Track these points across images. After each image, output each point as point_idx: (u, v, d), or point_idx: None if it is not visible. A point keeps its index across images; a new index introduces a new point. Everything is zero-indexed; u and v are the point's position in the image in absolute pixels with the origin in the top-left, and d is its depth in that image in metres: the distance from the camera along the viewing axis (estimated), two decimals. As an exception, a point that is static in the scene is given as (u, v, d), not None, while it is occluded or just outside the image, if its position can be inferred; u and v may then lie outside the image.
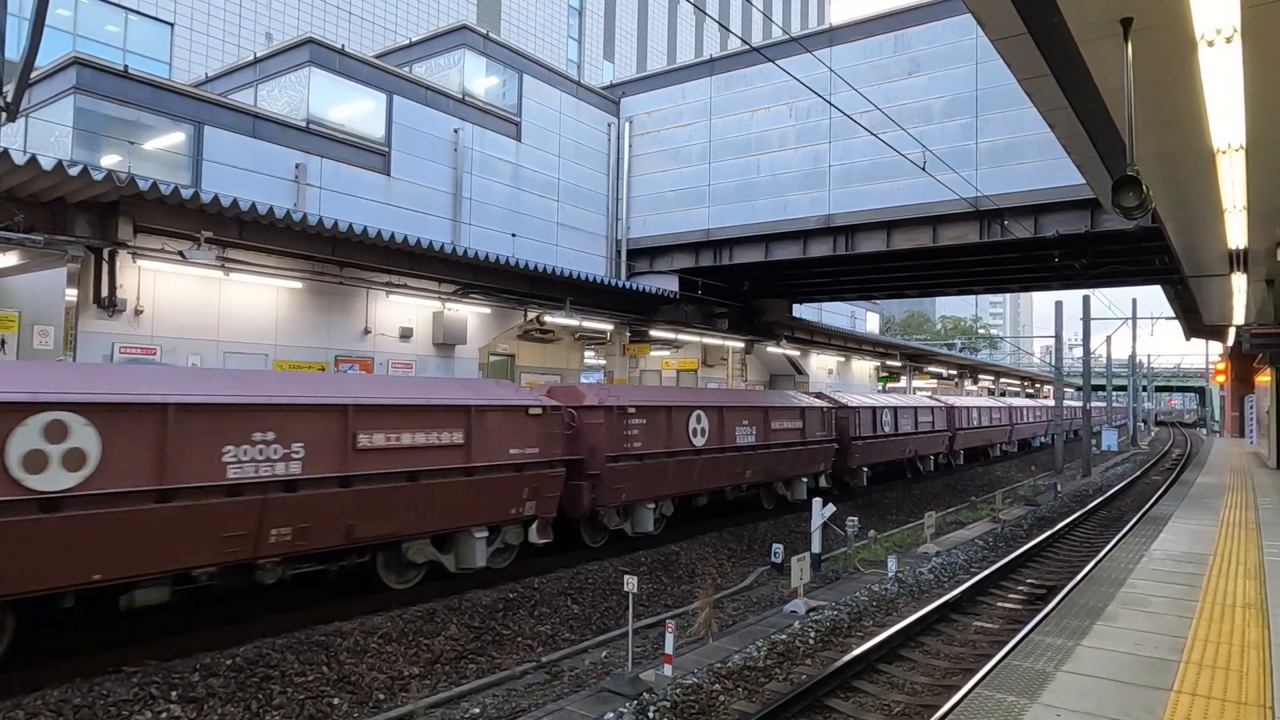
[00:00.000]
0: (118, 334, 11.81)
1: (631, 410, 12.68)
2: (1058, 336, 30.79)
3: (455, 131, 19.59)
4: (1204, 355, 58.19)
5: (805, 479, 17.84)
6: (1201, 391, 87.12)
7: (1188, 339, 39.03)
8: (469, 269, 16.15)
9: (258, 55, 19.10)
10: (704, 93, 22.02)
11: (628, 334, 21.89)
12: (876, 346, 38.48)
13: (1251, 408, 36.44)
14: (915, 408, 24.72)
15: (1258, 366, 29.26)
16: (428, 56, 21.25)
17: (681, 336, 23.26)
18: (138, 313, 12.05)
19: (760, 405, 16.33)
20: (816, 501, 12.15)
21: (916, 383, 44.67)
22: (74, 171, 9.66)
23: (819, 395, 20.82)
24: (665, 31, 51.90)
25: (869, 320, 45.02)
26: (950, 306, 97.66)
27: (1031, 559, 13.41)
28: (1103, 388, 59.64)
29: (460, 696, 7.37)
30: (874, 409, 21.72)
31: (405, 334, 15.81)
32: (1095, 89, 7.29)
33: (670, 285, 22.26)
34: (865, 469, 21.01)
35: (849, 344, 35.22)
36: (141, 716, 6.40)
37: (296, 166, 16.41)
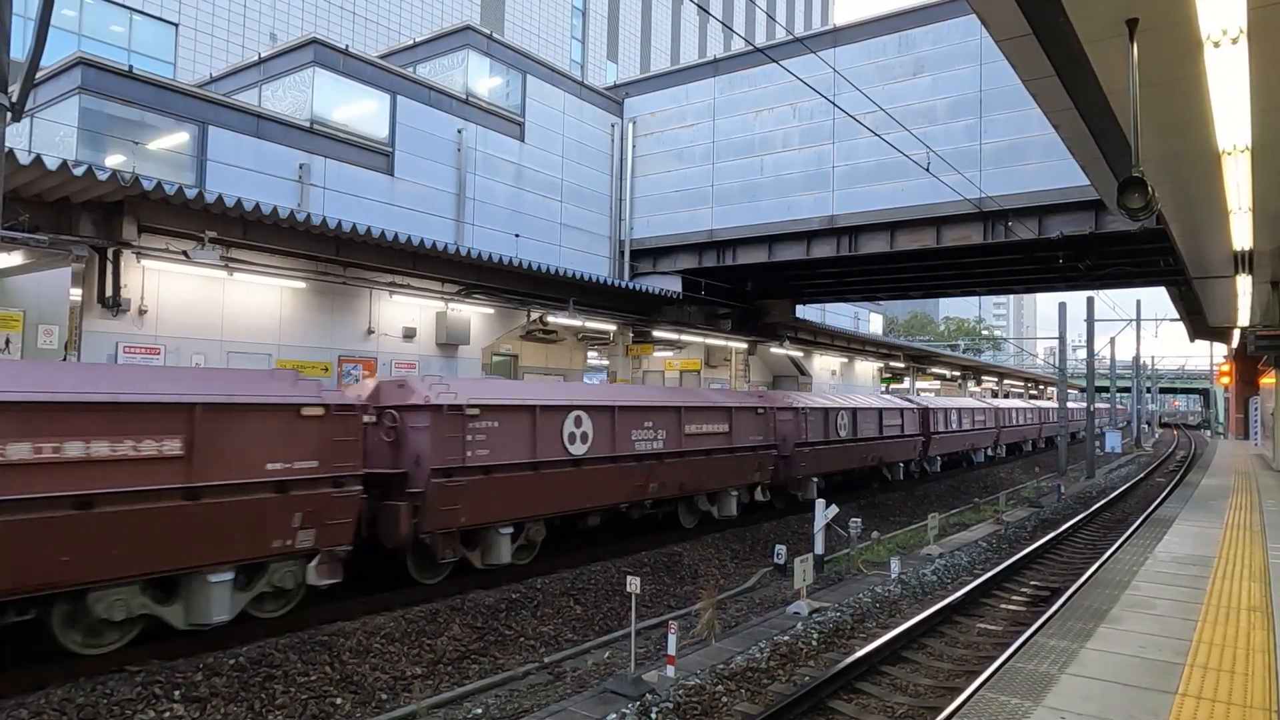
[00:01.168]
0: (122, 334, 11.84)
1: (474, 411, 10.12)
2: (1061, 338, 30.73)
3: (459, 132, 19.60)
4: (1208, 357, 58.07)
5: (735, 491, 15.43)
6: (1206, 393, 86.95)
7: (1192, 340, 38.98)
8: (472, 269, 16.16)
9: (262, 55, 19.14)
10: (708, 93, 22.02)
11: (631, 334, 21.88)
12: (880, 347, 38.45)
13: (1256, 410, 36.34)
14: (881, 409, 21.80)
15: (1262, 368, 29.18)
16: (432, 57, 21.27)
17: (685, 337, 23.25)
18: (142, 312, 12.07)
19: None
20: (820, 503, 12.14)
21: (920, 384, 44.59)
22: (78, 171, 9.68)
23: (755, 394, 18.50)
24: (669, 32, 51.89)
25: (872, 321, 45.01)
26: (954, 307, 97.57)
27: (1035, 561, 13.38)
28: (1107, 389, 59.53)
29: (463, 697, 7.37)
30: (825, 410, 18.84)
31: (409, 334, 15.83)
32: (1100, 90, 7.27)
33: (673, 286, 22.25)
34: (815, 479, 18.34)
35: (852, 345, 35.18)
36: (145, 716, 6.41)
37: (300, 167, 16.44)
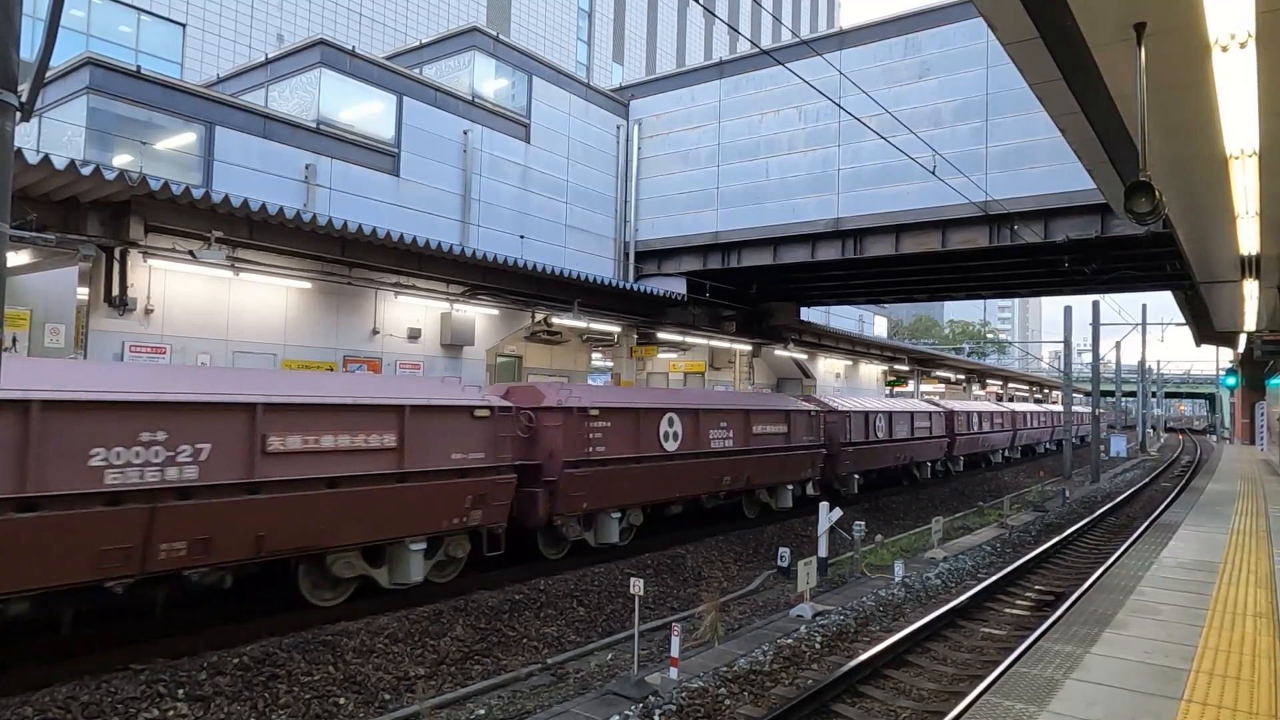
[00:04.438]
0: (128, 333, 11.87)
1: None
2: (1066, 342, 30.66)
3: (464, 133, 19.63)
4: (1214, 361, 57.89)
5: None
6: (1211, 398, 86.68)
7: (1198, 345, 38.83)
8: (477, 270, 16.18)
9: (269, 56, 19.19)
10: (713, 95, 22.02)
11: (635, 336, 21.89)
12: (884, 350, 38.43)
13: (1262, 415, 36.19)
14: (749, 411, 15.67)
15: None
16: (438, 58, 21.31)
17: (689, 339, 23.25)
18: (148, 312, 12.10)
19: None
20: (823, 505, 12.12)
21: (925, 387, 44.52)
22: (86, 171, 9.71)
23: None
24: (674, 34, 51.92)
25: (877, 324, 44.96)
26: (959, 311, 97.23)
27: (1040, 565, 13.34)
28: (1113, 393, 59.33)
29: (466, 697, 7.37)
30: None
31: (413, 335, 15.85)
32: (1107, 94, 7.26)
33: (678, 287, 22.25)
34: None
35: (857, 348, 35.17)
36: (149, 714, 6.43)
37: (306, 167, 16.47)
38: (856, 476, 20.32)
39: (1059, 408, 51.00)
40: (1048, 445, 43.82)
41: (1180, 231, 12.28)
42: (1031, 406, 44.62)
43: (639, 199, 23.48)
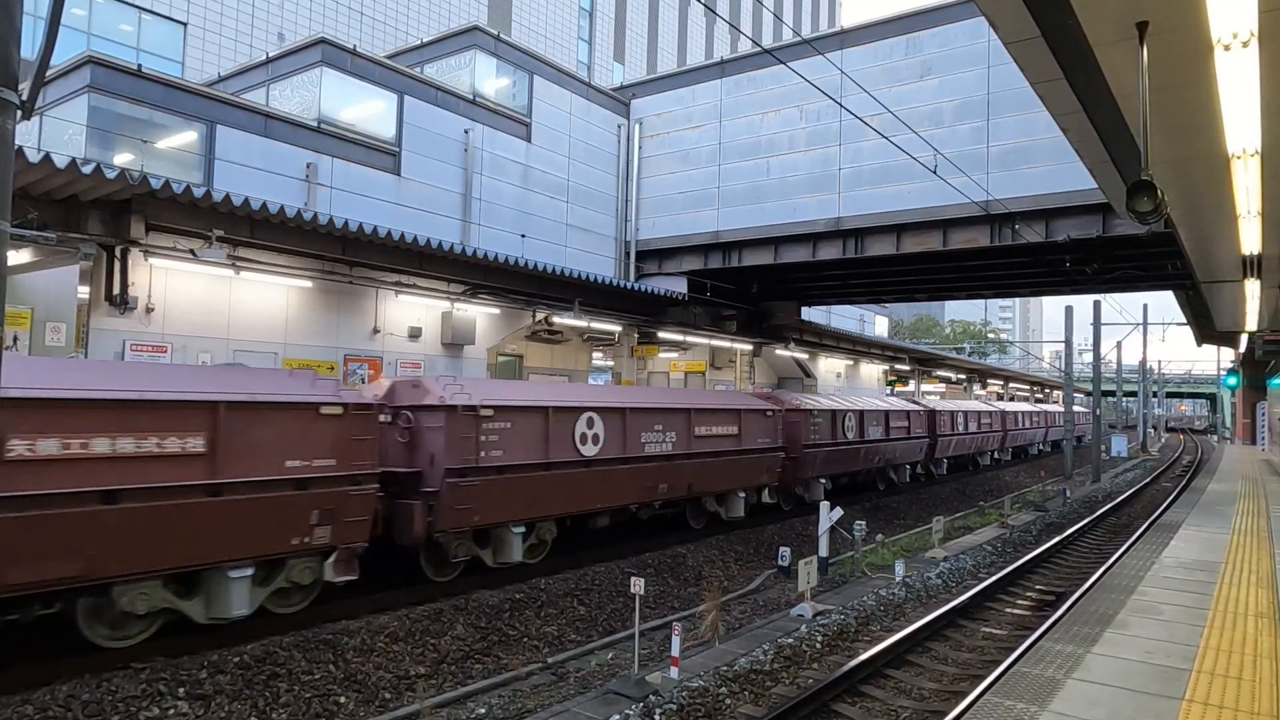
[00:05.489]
0: (129, 331, 11.88)
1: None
2: (1068, 342, 30.65)
3: (466, 132, 19.63)
4: (1215, 361, 57.88)
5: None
6: (1212, 398, 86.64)
7: (1199, 345, 38.80)
8: (478, 269, 16.17)
9: (270, 55, 19.19)
10: (714, 95, 22.01)
11: (636, 335, 21.88)
12: (885, 350, 38.41)
13: (1263, 414, 36.17)
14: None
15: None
16: (439, 57, 21.31)
17: (690, 338, 23.24)
18: (149, 310, 12.10)
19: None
20: (824, 505, 12.11)
21: (925, 386, 44.48)
22: (87, 170, 9.71)
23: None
24: (675, 33, 51.91)
25: (878, 323, 44.94)
26: (960, 310, 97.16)
27: (1041, 565, 13.34)
28: (1114, 393, 59.31)
29: (466, 696, 7.37)
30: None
31: (414, 334, 15.84)
32: (1109, 93, 7.25)
33: (679, 287, 22.24)
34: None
35: (857, 347, 35.16)
36: (149, 713, 6.43)
37: (307, 166, 16.47)
38: (823, 481, 18.48)
39: (1057, 407, 50.95)
40: (1041, 447, 42.28)
41: (1182, 231, 12.27)
42: (1025, 406, 42.47)
43: (640, 198, 23.47)
